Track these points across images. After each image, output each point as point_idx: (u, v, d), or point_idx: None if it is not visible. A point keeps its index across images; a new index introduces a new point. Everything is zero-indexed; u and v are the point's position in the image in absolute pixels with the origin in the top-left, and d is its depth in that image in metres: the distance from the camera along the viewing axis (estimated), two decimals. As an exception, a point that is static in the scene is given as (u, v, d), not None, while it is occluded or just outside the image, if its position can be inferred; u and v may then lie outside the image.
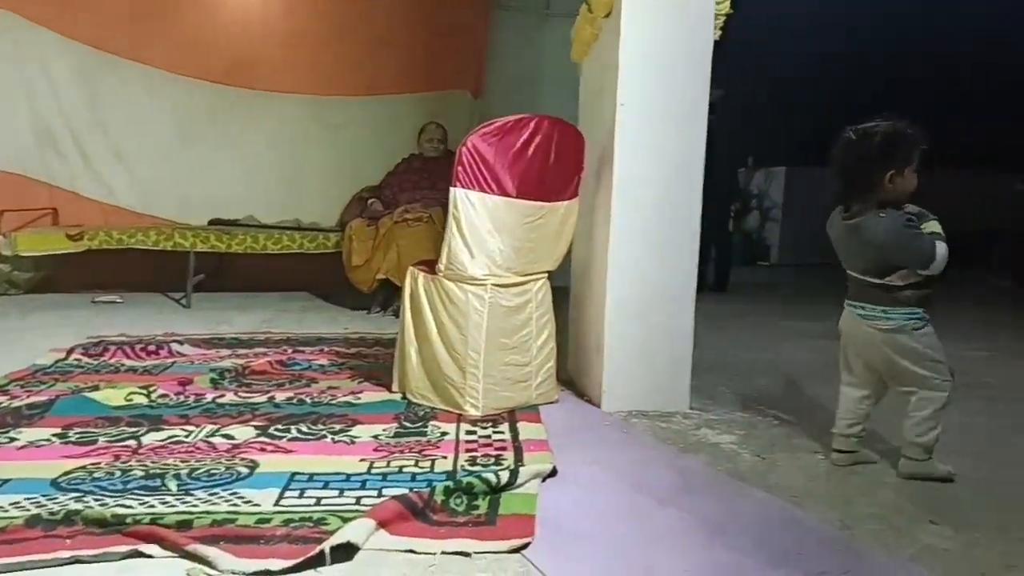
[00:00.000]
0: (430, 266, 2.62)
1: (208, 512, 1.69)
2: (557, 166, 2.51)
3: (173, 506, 1.73)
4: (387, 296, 4.46)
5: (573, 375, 3.02)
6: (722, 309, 5.15)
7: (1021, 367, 3.50)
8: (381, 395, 2.72)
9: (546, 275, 2.65)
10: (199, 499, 1.77)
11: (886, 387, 2.16)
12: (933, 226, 2.01)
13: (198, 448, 2.13)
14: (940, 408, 2.05)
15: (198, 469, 1.96)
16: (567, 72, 3.43)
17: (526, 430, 2.34)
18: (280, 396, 2.69)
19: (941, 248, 1.97)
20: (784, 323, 4.63)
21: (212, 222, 5.12)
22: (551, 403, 2.68)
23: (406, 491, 1.77)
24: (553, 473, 2.00)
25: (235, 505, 1.75)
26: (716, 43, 2.71)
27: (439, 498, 1.74)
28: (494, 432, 2.33)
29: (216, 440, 2.20)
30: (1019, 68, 8.08)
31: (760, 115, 8.16)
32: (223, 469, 1.97)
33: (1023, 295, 5.91)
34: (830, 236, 2.16)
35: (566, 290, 3.17)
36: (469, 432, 2.33)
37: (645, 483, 2.00)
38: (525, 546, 1.60)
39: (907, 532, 1.76)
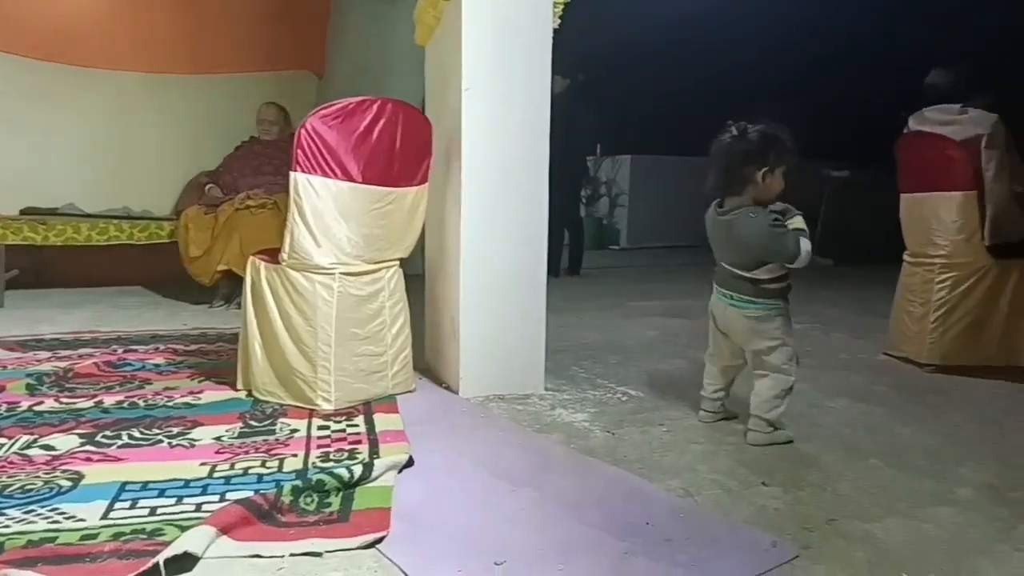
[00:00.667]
0: (272, 255, 2.49)
1: (22, 532, 1.52)
2: (404, 151, 2.46)
3: (-22, 530, 1.53)
4: (230, 289, 4.21)
5: (430, 363, 3.00)
6: (576, 292, 5.31)
7: (838, 338, 3.86)
8: (224, 394, 2.56)
9: (398, 263, 2.60)
10: (11, 519, 1.59)
11: (745, 364, 2.32)
12: (798, 222, 2.12)
13: (11, 463, 1.91)
14: (787, 389, 2.22)
15: (10, 486, 1.76)
16: (417, 55, 3.38)
17: (382, 421, 2.29)
18: (109, 400, 2.46)
19: (805, 245, 2.08)
20: (632, 303, 4.85)
21: (25, 211, 4.61)
22: (408, 392, 2.64)
23: (251, 494, 1.67)
24: (410, 463, 1.97)
25: (55, 522, 1.58)
26: (558, 32, 2.77)
27: (287, 498, 1.66)
28: (348, 426, 2.26)
29: (33, 452, 1.98)
30: (829, 58, 8.89)
31: (606, 105, 8.47)
32: (40, 484, 1.78)
33: (841, 272, 6.54)
34: (707, 228, 2.27)
35: (421, 278, 3.13)
36: (322, 427, 2.24)
37: (502, 466, 2.01)
38: (380, 540, 1.56)
39: (743, 495, 1.89)
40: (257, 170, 4.49)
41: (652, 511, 1.76)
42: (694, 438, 2.30)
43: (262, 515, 1.60)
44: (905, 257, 3.39)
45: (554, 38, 2.73)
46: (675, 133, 9.19)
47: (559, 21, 2.80)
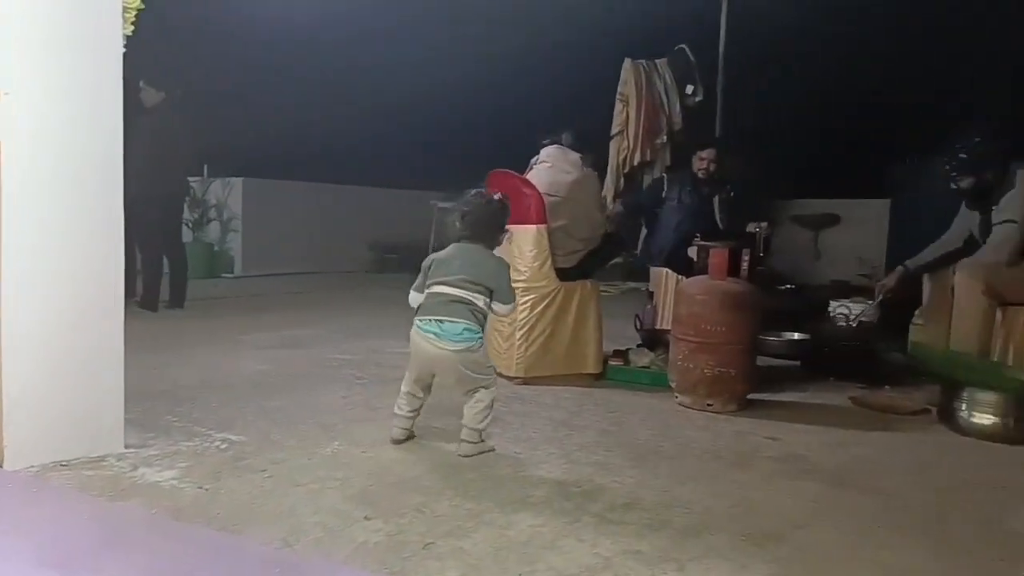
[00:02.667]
0: None
1: None
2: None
3: None
4: None
5: (-35, 430, 2.38)
6: (178, 327, 4.81)
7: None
8: None
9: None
10: None
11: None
12: None
13: None
14: (493, 401, 2.50)
15: None
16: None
17: None
18: None
19: (515, 299, 2.65)
20: (243, 337, 4.54)
21: None
22: (-75, 473, 2.05)
23: None
24: (-88, 572, 1.51)
25: None
26: (146, 40, 2.49)
27: None
28: None
29: None
30: (439, 92, 9.62)
31: (214, 123, 7.95)
32: None
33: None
34: (441, 257, 2.54)
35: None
36: None
37: (55, 550, 1.66)
38: None
39: (344, 533, 1.84)
40: None
41: (242, 571, 1.61)
42: (298, 479, 2.19)
43: None
44: (495, 282, 3.74)
45: (147, 47, 2.43)
46: (291, 157, 9.03)
47: (132, 27, 2.50)
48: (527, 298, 3.52)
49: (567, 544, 1.81)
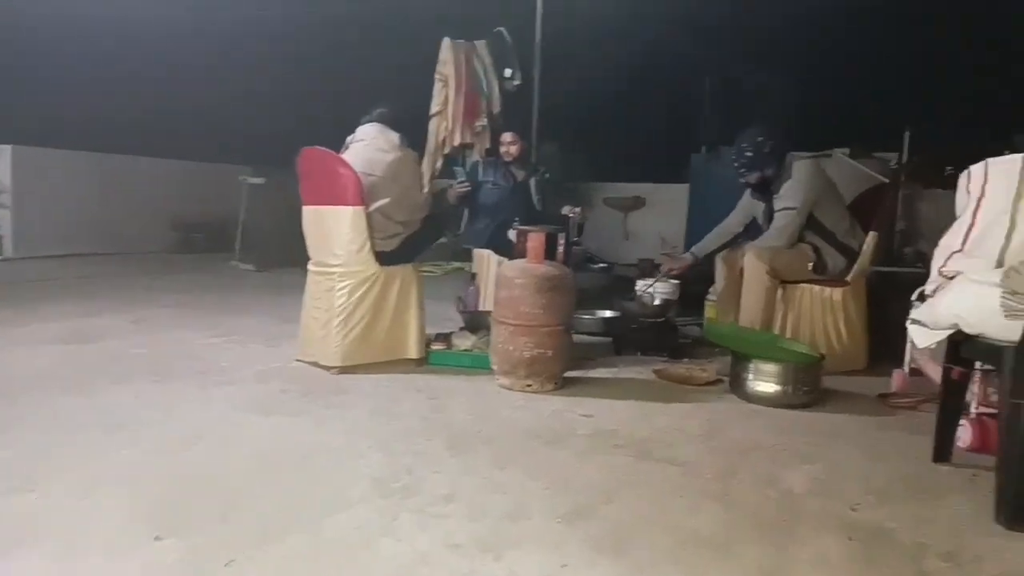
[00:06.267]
0: None
1: None
2: None
3: None
4: None
5: None
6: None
7: (254, 348, 3.82)
8: None
9: None
10: None
11: None
12: None
13: None
14: None
15: None
16: None
17: None
18: None
19: None
20: (13, 330, 3.96)
21: None
22: None
23: None
24: None
25: None
26: None
27: None
28: None
29: None
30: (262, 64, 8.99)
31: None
32: None
33: (262, 279, 6.63)
34: None
35: None
36: None
37: None
38: None
39: (131, 557, 1.65)
40: None
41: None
42: (76, 494, 1.94)
43: None
44: (309, 266, 3.56)
45: None
46: (76, 125, 8.02)
47: None
48: (344, 283, 3.37)
49: (384, 544, 1.76)
